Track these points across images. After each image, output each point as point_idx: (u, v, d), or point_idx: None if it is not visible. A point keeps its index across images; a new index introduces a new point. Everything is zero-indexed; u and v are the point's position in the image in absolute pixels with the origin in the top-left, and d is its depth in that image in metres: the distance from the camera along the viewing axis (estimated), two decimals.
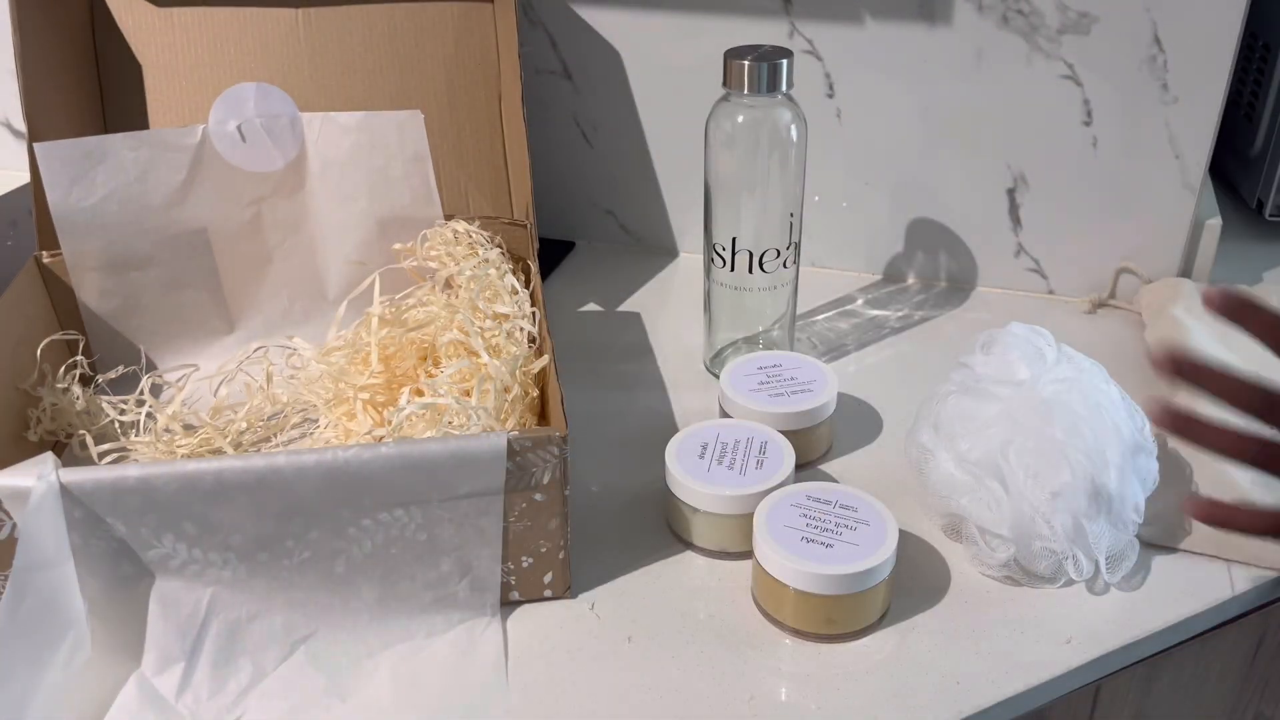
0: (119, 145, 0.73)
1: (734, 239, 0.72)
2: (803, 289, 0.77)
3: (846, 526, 0.56)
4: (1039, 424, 0.57)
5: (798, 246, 0.73)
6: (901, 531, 0.57)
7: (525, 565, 0.57)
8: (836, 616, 0.55)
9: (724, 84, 0.68)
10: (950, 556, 0.61)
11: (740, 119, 0.69)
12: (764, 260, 0.72)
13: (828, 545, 0.55)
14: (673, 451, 0.63)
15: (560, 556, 0.57)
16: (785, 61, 0.67)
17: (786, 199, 0.71)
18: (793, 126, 0.69)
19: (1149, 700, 0.67)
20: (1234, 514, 0.46)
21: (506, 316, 0.69)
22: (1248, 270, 0.87)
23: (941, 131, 0.84)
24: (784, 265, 0.73)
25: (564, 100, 0.92)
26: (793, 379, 0.69)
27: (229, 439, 0.68)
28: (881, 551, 0.55)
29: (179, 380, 0.75)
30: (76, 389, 0.69)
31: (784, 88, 0.68)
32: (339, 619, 0.55)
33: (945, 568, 0.60)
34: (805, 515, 0.57)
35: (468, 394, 0.62)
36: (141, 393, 0.70)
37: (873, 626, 0.56)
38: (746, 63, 0.66)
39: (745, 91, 0.67)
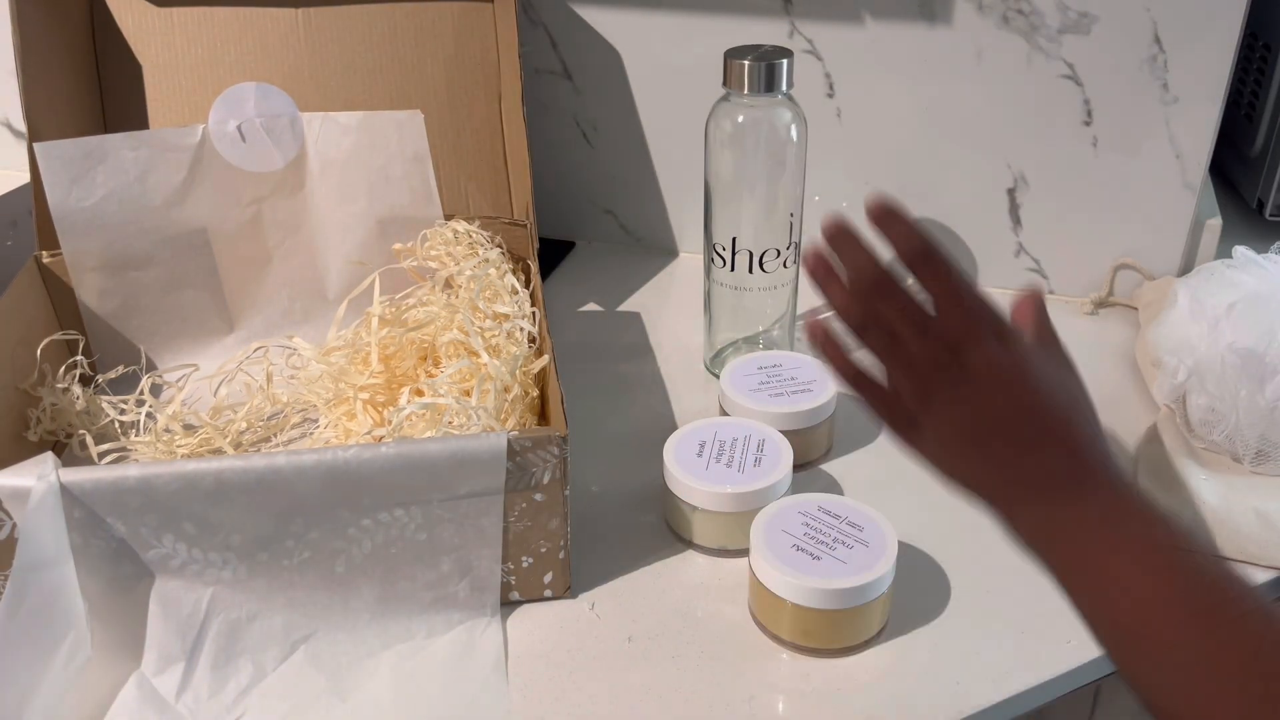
0: (119, 145, 0.73)
1: (734, 239, 0.71)
2: (802, 289, 0.77)
3: (843, 544, 0.56)
4: None
5: (798, 246, 0.73)
6: (902, 544, 0.57)
7: (525, 565, 0.57)
8: (813, 629, 0.54)
9: (724, 84, 0.68)
10: (951, 565, 0.61)
11: (740, 119, 0.69)
12: (764, 260, 0.72)
13: (815, 558, 0.55)
14: (671, 450, 0.63)
15: (560, 556, 0.57)
16: (785, 61, 0.66)
17: (787, 199, 0.71)
18: (793, 126, 0.69)
19: None
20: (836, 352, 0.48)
21: (506, 316, 0.69)
22: None
23: (942, 131, 0.84)
24: (784, 265, 0.73)
25: (564, 100, 0.92)
26: (793, 379, 0.69)
27: (229, 439, 0.68)
28: (864, 576, 0.53)
29: (179, 380, 0.75)
30: (76, 389, 0.69)
31: (784, 88, 0.68)
32: (339, 619, 0.55)
33: (945, 579, 0.60)
34: (808, 525, 0.57)
35: (468, 394, 0.62)
36: (141, 393, 0.70)
37: (868, 642, 0.56)
38: (746, 63, 0.66)
39: (745, 91, 0.67)
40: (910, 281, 0.47)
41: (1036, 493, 0.44)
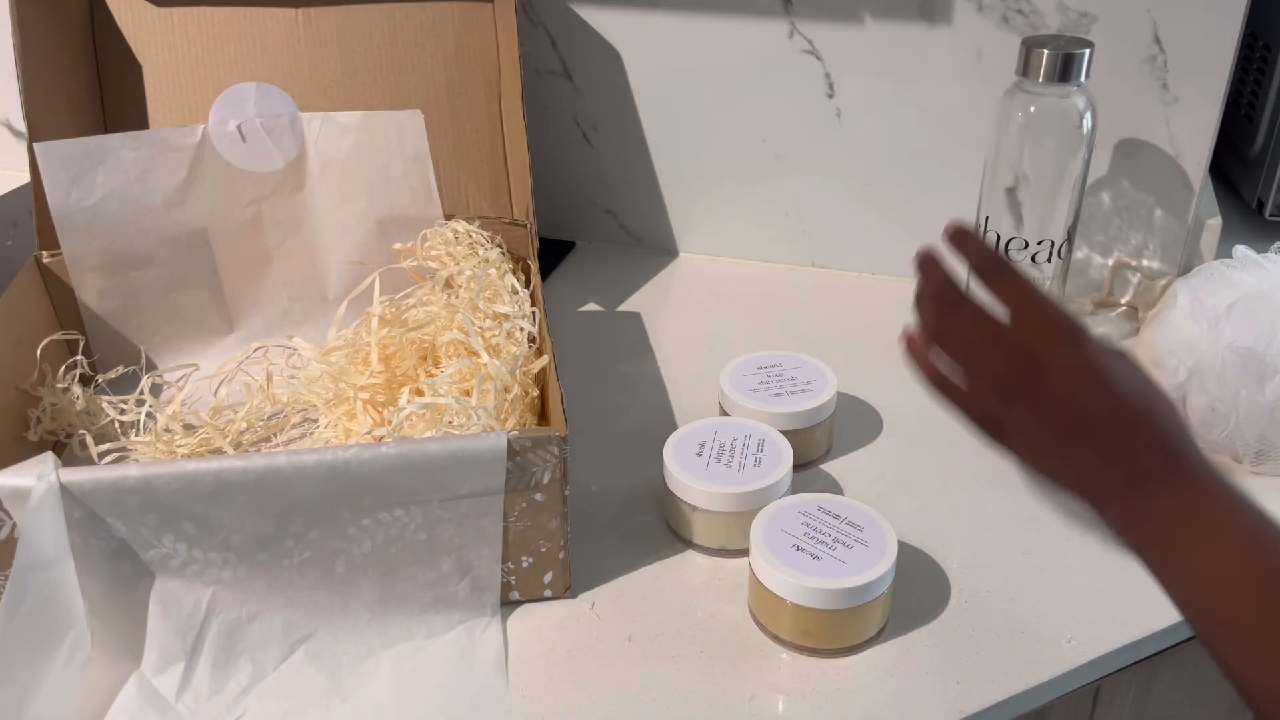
0: (119, 145, 0.73)
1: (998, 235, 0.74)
2: (802, 289, 0.77)
3: (843, 544, 0.56)
4: None
5: (1071, 237, 0.75)
6: (902, 544, 0.57)
7: (525, 565, 0.57)
8: (813, 629, 0.54)
9: (1020, 72, 0.70)
10: (951, 565, 0.61)
11: (1033, 108, 0.71)
12: (1035, 255, 0.75)
13: (815, 558, 0.55)
14: (671, 450, 0.63)
15: (560, 556, 0.57)
16: (1085, 52, 0.69)
17: (1069, 190, 0.72)
18: (1085, 116, 0.71)
19: (1149, 700, 0.67)
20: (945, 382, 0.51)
21: (506, 316, 0.69)
22: None
23: (941, 131, 0.84)
24: (1058, 255, 0.75)
25: (564, 100, 0.92)
26: (793, 379, 0.69)
27: (229, 439, 0.68)
28: (864, 576, 0.53)
29: (179, 380, 0.75)
30: (76, 389, 0.69)
31: (1080, 78, 0.69)
32: (339, 619, 0.55)
33: (945, 579, 0.60)
34: (808, 525, 0.57)
35: (468, 394, 0.62)
36: (141, 392, 0.70)
37: (868, 642, 0.56)
38: (1045, 52, 0.69)
39: (1040, 80, 0.70)
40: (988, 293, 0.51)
41: (1123, 487, 0.46)
